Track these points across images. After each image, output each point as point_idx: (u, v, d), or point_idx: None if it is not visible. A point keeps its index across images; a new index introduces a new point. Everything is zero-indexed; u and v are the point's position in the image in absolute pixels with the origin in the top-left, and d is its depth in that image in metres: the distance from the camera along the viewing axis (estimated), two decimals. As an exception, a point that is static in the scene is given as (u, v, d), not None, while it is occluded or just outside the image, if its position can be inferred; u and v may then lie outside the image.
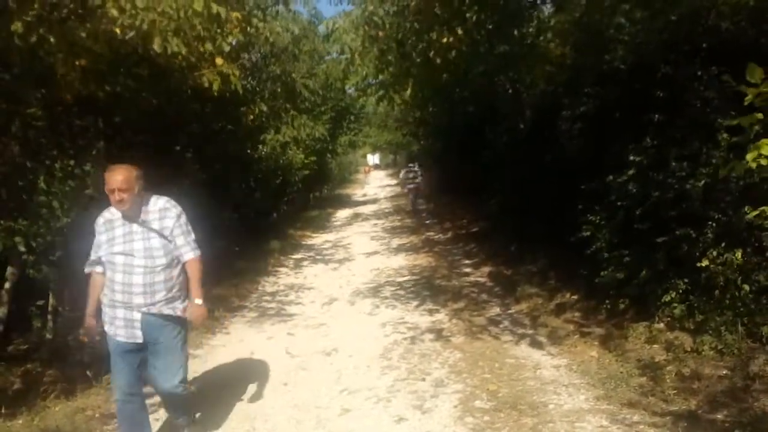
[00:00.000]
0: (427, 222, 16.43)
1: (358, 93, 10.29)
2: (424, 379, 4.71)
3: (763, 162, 2.64)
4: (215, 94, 6.13)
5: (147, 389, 3.75)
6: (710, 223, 4.85)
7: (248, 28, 6.60)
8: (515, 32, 8.34)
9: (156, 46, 4.73)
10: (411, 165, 19.36)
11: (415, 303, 7.31)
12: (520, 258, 8.72)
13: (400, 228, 15.54)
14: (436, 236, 13.59)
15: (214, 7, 4.87)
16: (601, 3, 6.82)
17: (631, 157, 5.56)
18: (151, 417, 3.77)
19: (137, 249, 3.32)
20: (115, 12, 4.56)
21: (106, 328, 3.42)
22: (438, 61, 7.41)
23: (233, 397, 4.53)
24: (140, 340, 3.37)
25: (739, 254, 4.57)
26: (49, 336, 5.52)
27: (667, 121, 5.48)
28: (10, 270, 5.34)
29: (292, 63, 12.59)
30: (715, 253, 4.71)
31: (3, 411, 4.23)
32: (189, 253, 3.48)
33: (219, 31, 5.49)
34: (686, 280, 4.97)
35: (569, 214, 6.53)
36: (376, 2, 7.23)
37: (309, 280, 9.34)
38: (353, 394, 4.51)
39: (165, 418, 4.08)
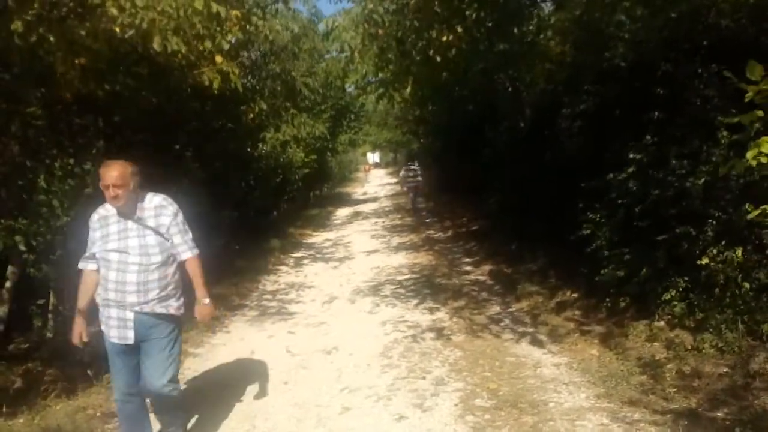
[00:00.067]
0: (427, 221, 16.43)
1: (358, 91, 10.29)
2: (424, 378, 4.71)
3: (763, 160, 2.64)
4: (215, 92, 6.12)
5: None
6: (710, 221, 4.85)
7: (248, 26, 6.60)
8: (515, 30, 8.33)
9: (156, 44, 4.73)
10: (410, 164, 19.36)
11: (415, 301, 7.31)
12: (520, 256, 8.72)
13: (401, 226, 15.54)
14: (437, 235, 13.59)
15: (214, 6, 4.87)
16: (601, 1, 6.81)
17: (631, 155, 5.55)
18: (152, 416, 3.76)
19: (132, 246, 3.27)
20: (114, 11, 4.56)
21: (102, 327, 3.39)
22: (438, 59, 7.40)
23: (234, 396, 4.54)
24: (131, 342, 3.30)
25: (739, 252, 4.57)
26: (49, 335, 5.52)
27: (667, 119, 5.48)
28: (10, 269, 5.34)
29: (292, 61, 12.59)
30: (715, 251, 4.71)
31: (4, 410, 4.23)
32: (187, 252, 3.44)
33: (218, 29, 5.49)
34: (686, 278, 4.97)
35: (569, 213, 6.53)
36: (376, 0, 7.23)
37: (309, 279, 9.34)
38: (354, 392, 4.51)
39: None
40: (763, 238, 4.60)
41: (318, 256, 11.68)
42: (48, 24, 4.35)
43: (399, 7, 7.14)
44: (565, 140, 7.58)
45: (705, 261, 4.70)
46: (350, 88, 15.47)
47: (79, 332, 3.39)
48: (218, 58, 5.64)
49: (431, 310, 6.83)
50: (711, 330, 4.55)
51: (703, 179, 4.88)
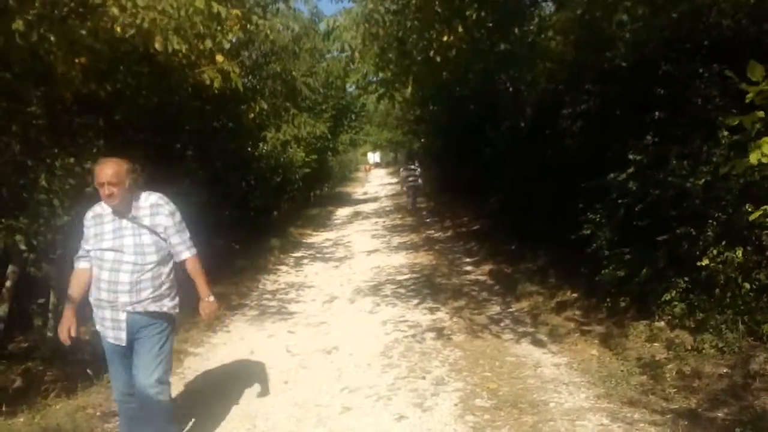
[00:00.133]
0: (428, 220, 16.44)
1: (359, 91, 10.29)
2: (424, 378, 4.71)
3: (765, 160, 2.64)
4: (216, 91, 6.13)
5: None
6: (711, 221, 4.84)
7: (248, 26, 6.61)
8: (516, 30, 8.33)
9: (157, 44, 4.73)
10: (410, 163, 19.35)
11: (415, 301, 7.31)
12: (520, 256, 8.72)
13: (401, 226, 15.55)
14: (437, 234, 13.59)
15: (215, 6, 4.88)
16: (602, 0, 6.80)
17: (631, 156, 5.55)
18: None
19: (127, 245, 3.22)
20: (115, 10, 4.56)
21: (97, 327, 3.36)
22: (438, 59, 7.40)
23: (234, 395, 4.54)
24: (124, 343, 3.26)
25: (739, 253, 4.57)
26: (50, 334, 5.52)
27: (668, 118, 5.48)
28: (11, 268, 5.35)
29: (293, 61, 12.60)
30: (715, 252, 4.70)
31: (4, 409, 4.22)
32: (185, 252, 3.41)
33: (219, 28, 5.49)
34: (687, 279, 4.97)
35: (570, 212, 6.53)
36: (377, 0, 7.23)
37: (309, 279, 9.34)
38: (354, 392, 4.51)
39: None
40: (763, 239, 4.59)
41: (318, 255, 11.68)
42: (49, 23, 4.36)
43: (400, 7, 7.14)
44: (566, 140, 7.58)
45: (705, 262, 4.70)
46: (351, 88, 15.49)
47: (67, 327, 3.28)
48: (219, 58, 5.65)
49: (431, 310, 6.83)
50: (711, 330, 4.55)
51: (703, 180, 4.88)
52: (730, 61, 4.18)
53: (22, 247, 4.79)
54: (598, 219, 5.99)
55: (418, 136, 23.59)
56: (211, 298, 3.54)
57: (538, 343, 5.46)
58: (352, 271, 9.71)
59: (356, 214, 19.59)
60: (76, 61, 4.74)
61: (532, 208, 8.57)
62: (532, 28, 9.08)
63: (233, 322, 6.85)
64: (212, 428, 4.03)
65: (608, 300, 5.74)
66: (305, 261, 11.08)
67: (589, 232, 6.04)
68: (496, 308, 6.82)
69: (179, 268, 3.47)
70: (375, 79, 8.73)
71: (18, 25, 4.10)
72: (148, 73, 6.09)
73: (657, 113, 5.59)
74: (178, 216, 3.40)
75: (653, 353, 4.68)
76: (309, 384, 4.74)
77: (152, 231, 3.27)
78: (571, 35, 8.22)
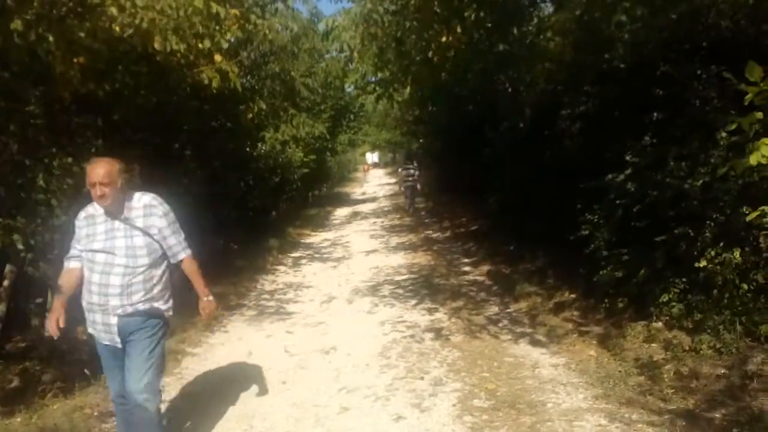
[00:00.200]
0: (426, 221, 16.44)
1: (358, 91, 10.30)
2: (422, 378, 4.71)
3: (764, 161, 2.64)
4: (214, 91, 6.13)
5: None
6: (709, 222, 4.85)
7: (246, 25, 6.60)
8: (515, 31, 8.33)
9: (156, 44, 4.73)
10: (408, 164, 19.37)
11: (413, 302, 7.31)
12: (519, 257, 8.72)
13: (399, 226, 15.55)
14: (435, 235, 13.59)
15: (214, 6, 4.88)
16: (601, 1, 6.81)
17: (628, 158, 5.56)
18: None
19: (119, 247, 3.14)
20: (114, 10, 4.56)
21: (90, 330, 3.32)
22: (437, 59, 7.41)
23: (232, 396, 4.53)
24: (119, 345, 3.21)
25: (737, 254, 4.57)
26: (47, 334, 5.51)
27: (667, 119, 5.49)
28: (8, 268, 5.34)
29: (291, 61, 12.58)
30: (713, 253, 4.70)
31: (1, 409, 4.22)
32: (181, 253, 3.34)
33: (217, 28, 5.49)
34: (684, 279, 4.97)
35: (569, 213, 6.53)
36: (376, 0, 7.23)
37: (308, 279, 9.34)
38: (352, 392, 4.51)
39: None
40: (760, 240, 4.60)
41: (316, 255, 11.68)
42: (47, 23, 4.35)
43: (399, 8, 7.14)
44: (565, 140, 7.58)
45: (703, 263, 4.70)
46: (350, 89, 15.50)
47: (56, 318, 3.14)
48: (217, 57, 5.65)
49: (430, 311, 6.83)
50: (709, 331, 4.55)
51: (701, 181, 4.89)
52: (729, 62, 4.19)
53: (20, 246, 4.78)
54: (596, 220, 5.99)
55: (417, 137, 23.60)
56: (210, 298, 3.52)
57: (536, 343, 5.46)
58: (350, 272, 9.71)
59: (355, 215, 19.59)
60: (75, 60, 4.73)
61: (530, 208, 8.58)
62: (530, 28, 9.09)
63: (231, 322, 6.84)
64: (210, 428, 4.02)
65: (606, 301, 5.74)
66: (303, 261, 11.08)
67: (587, 232, 6.04)
68: (495, 309, 6.82)
69: (175, 269, 3.42)
70: (374, 79, 8.74)
71: (16, 24, 4.10)
72: (146, 72, 6.09)
73: (655, 114, 5.60)
74: (172, 216, 3.33)
75: (651, 354, 4.68)
76: (307, 384, 4.74)
77: (145, 233, 3.20)
78: (569, 36, 8.23)
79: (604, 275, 5.66)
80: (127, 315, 3.17)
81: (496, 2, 7.26)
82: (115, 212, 3.18)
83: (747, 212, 4.07)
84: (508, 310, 6.71)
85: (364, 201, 25.48)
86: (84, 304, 3.25)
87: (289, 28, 11.45)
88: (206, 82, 5.74)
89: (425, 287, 8.12)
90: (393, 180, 33.09)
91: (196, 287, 3.48)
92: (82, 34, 4.54)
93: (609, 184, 5.74)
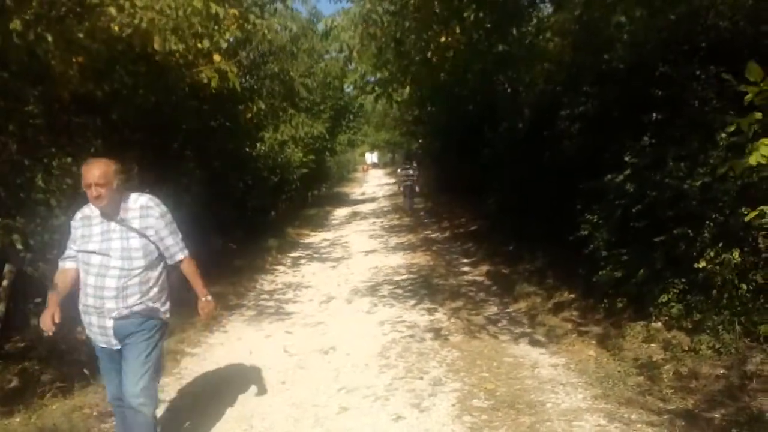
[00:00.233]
0: (425, 221, 16.44)
1: (357, 91, 10.30)
2: (422, 378, 4.71)
3: (763, 161, 2.65)
4: (213, 90, 6.13)
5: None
6: (708, 222, 4.85)
7: (245, 25, 6.60)
8: (514, 31, 8.34)
9: (156, 44, 4.73)
10: (407, 164, 19.37)
11: (413, 302, 7.31)
12: (518, 257, 8.72)
13: (398, 227, 15.55)
14: (434, 235, 13.59)
15: (213, 7, 4.88)
16: (601, 0, 6.82)
17: (627, 159, 5.56)
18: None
19: (114, 249, 3.10)
20: (113, 10, 4.56)
21: (87, 332, 3.30)
22: (436, 59, 7.41)
23: (231, 396, 4.53)
24: (116, 347, 3.18)
25: (736, 254, 4.58)
26: (46, 334, 5.50)
27: (666, 120, 5.49)
28: (7, 267, 5.33)
29: (290, 61, 12.59)
30: (712, 253, 4.71)
31: (0, 409, 4.22)
32: (179, 253, 3.31)
33: (216, 28, 5.49)
34: (683, 280, 4.97)
35: (568, 213, 6.54)
36: (375, 0, 7.23)
37: (307, 279, 9.34)
38: (351, 392, 4.51)
39: (162, 418, 4.07)
40: (759, 241, 4.60)
41: (316, 255, 11.68)
42: (46, 23, 4.35)
43: (398, 8, 7.14)
44: (564, 141, 7.59)
45: (702, 264, 4.70)
46: (349, 89, 15.50)
47: (50, 314, 3.07)
48: (216, 57, 5.66)
49: (429, 311, 6.83)
50: (708, 331, 4.55)
51: (700, 181, 4.89)
52: (728, 63, 4.20)
53: (19, 246, 4.78)
54: (595, 220, 6.00)
55: (416, 137, 23.61)
56: (209, 298, 3.51)
57: (535, 343, 5.46)
58: (349, 272, 9.70)
59: (354, 215, 19.59)
60: (74, 60, 4.73)
61: (529, 209, 8.58)
62: (530, 29, 9.09)
63: (230, 322, 6.84)
64: (209, 428, 4.02)
65: (605, 301, 5.74)
66: (303, 261, 11.08)
67: (586, 233, 6.04)
68: (494, 309, 6.82)
69: (173, 270, 3.38)
70: (373, 79, 8.74)
71: (15, 24, 4.09)
72: (145, 72, 6.09)
73: (654, 115, 5.61)
74: (169, 217, 3.29)
75: (650, 354, 4.68)
76: (306, 384, 4.74)
77: (141, 234, 3.15)
78: (569, 36, 8.23)
79: (603, 275, 5.67)
80: (123, 318, 3.13)
81: (496, 2, 7.27)
82: (111, 213, 3.14)
83: (746, 212, 4.07)
84: (508, 311, 6.71)
85: (363, 201, 25.47)
86: (80, 306, 3.22)
87: (288, 28, 11.47)
88: (205, 81, 5.75)
89: (424, 287, 8.12)
90: (392, 180, 33.10)
91: (194, 288, 3.46)
92: (81, 34, 4.54)
93: (608, 184, 5.74)
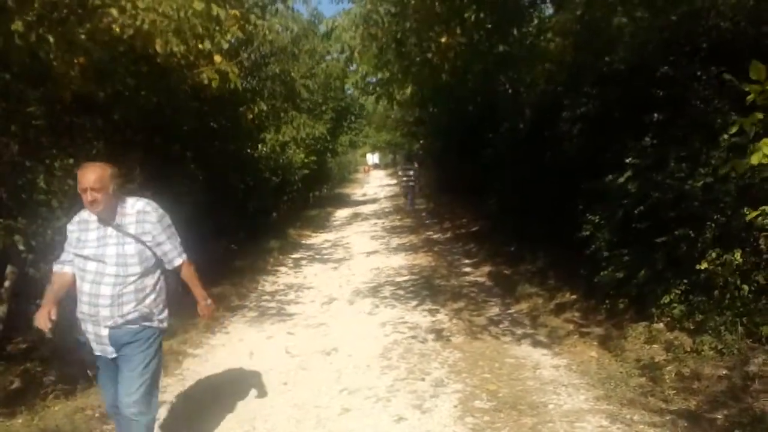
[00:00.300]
0: (427, 221, 16.44)
1: (358, 92, 10.31)
2: (423, 379, 4.71)
3: (765, 161, 2.64)
4: (214, 91, 6.12)
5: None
6: (709, 223, 4.84)
7: (246, 26, 6.59)
8: (515, 32, 8.34)
9: (158, 46, 4.73)
10: (408, 165, 19.37)
11: (414, 303, 7.31)
12: (519, 258, 8.72)
13: (400, 227, 15.55)
14: (436, 236, 13.59)
15: (215, 9, 4.88)
16: (602, 0, 6.82)
17: (628, 160, 5.56)
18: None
19: (109, 255, 3.02)
20: (115, 12, 4.56)
21: (86, 339, 3.23)
22: (437, 60, 7.41)
23: (233, 397, 4.53)
24: (113, 356, 3.10)
25: (738, 255, 4.57)
26: (48, 335, 5.50)
27: (667, 120, 5.49)
28: (9, 269, 5.34)
29: (292, 62, 12.59)
30: (714, 254, 4.70)
31: (2, 410, 4.22)
32: (177, 258, 3.23)
33: (218, 29, 5.49)
34: (685, 281, 4.97)
35: (569, 214, 6.53)
36: (376, 1, 7.24)
37: (308, 280, 9.34)
38: (353, 393, 4.51)
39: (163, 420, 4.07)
40: (761, 241, 4.60)
41: (317, 257, 11.68)
42: (48, 24, 4.35)
43: (398, 9, 7.14)
44: (565, 142, 7.58)
45: (704, 265, 4.69)
46: (350, 90, 15.51)
47: (46, 311, 3.02)
48: (217, 58, 5.65)
49: (431, 312, 6.83)
50: (710, 332, 4.55)
51: (702, 182, 4.89)
52: (729, 64, 4.20)
53: (21, 247, 4.79)
54: (597, 221, 5.99)
55: (417, 138, 23.61)
56: (209, 302, 3.48)
57: (537, 344, 5.46)
58: (351, 273, 9.70)
59: (355, 216, 19.59)
60: (75, 61, 4.73)
61: (531, 209, 8.58)
62: (531, 29, 9.09)
63: (232, 323, 6.84)
64: (211, 430, 4.02)
65: (607, 302, 5.74)
66: (304, 262, 11.08)
67: (588, 233, 6.04)
68: (496, 310, 6.82)
69: (171, 274, 3.30)
70: (374, 79, 8.74)
71: (17, 25, 4.10)
72: (146, 73, 6.09)
73: (656, 115, 5.60)
74: (167, 221, 3.21)
75: (652, 355, 4.68)
76: (308, 385, 4.74)
77: (138, 240, 3.08)
78: (570, 37, 8.23)
79: (605, 276, 5.66)
80: (118, 326, 3.05)
81: (496, 3, 7.26)
82: (107, 218, 3.07)
83: (747, 213, 4.07)
84: (509, 311, 6.71)
85: (364, 202, 25.47)
86: (78, 314, 3.16)
87: (289, 29, 11.46)
88: (206, 82, 5.74)
89: (426, 288, 8.12)
90: (393, 181, 33.10)
91: (194, 292, 3.41)
92: (82, 36, 4.54)
93: (610, 185, 5.73)
